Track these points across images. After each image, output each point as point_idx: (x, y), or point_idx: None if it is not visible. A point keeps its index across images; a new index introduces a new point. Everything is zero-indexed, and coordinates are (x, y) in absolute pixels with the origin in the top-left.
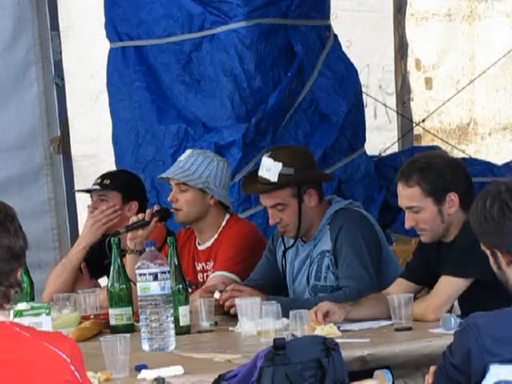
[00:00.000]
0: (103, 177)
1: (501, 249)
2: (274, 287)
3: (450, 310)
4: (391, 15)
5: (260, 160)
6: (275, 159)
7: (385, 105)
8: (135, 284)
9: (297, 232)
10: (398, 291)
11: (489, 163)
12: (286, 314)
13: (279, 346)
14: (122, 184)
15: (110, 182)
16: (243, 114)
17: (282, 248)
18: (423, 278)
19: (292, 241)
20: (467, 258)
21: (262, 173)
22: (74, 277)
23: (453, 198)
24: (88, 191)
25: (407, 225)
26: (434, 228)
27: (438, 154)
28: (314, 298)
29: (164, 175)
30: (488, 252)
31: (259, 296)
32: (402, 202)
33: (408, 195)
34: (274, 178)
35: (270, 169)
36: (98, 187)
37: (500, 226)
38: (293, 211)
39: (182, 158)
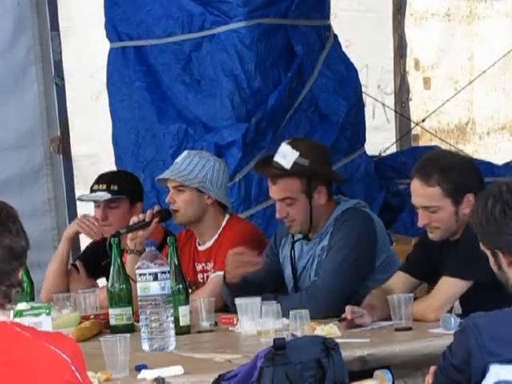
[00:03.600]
0: (108, 182)
1: (502, 249)
2: (274, 285)
3: (450, 310)
4: (390, 15)
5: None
6: (293, 147)
7: (383, 104)
8: (135, 282)
9: (308, 227)
10: (397, 284)
11: (489, 163)
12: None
13: (279, 345)
14: (129, 189)
15: (118, 188)
16: (243, 114)
17: (291, 240)
18: (423, 272)
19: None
20: (470, 260)
21: (278, 158)
22: (64, 268)
23: (470, 198)
24: (95, 200)
25: (421, 223)
26: (448, 227)
27: (454, 154)
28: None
29: (161, 177)
30: (488, 252)
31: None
32: (419, 201)
33: (427, 194)
34: (287, 165)
35: (285, 156)
36: (107, 194)
37: (502, 226)
38: (300, 207)
39: (179, 159)
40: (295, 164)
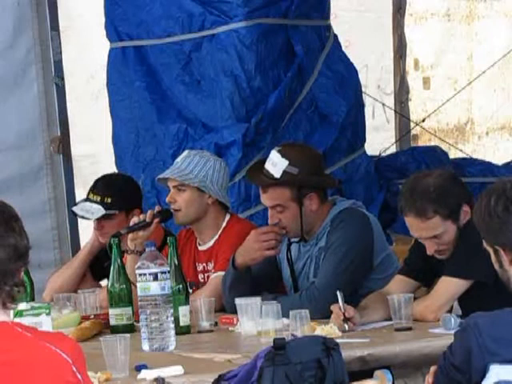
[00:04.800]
0: (103, 193)
1: (504, 246)
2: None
3: (450, 310)
4: (390, 15)
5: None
6: (283, 155)
7: (383, 104)
8: (135, 286)
9: (300, 233)
10: (398, 288)
11: (489, 163)
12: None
13: (279, 345)
14: (124, 201)
15: (111, 201)
16: (243, 114)
17: (287, 242)
18: (422, 274)
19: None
20: (468, 260)
21: (268, 166)
22: (82, 272)
23: (465, 209)
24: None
25: (430, 252)
26: (453, 242)
27: (434, 174)
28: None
29: (161, 176)
30: (490, 250)
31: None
32: (423, 234)
33: (428, 227)
34: (277, 174)
35: (275, 164)
36: (100, 209)
37: (504, 223)
38: (292, 214)
39: (179, 159)
40: (284, 173)
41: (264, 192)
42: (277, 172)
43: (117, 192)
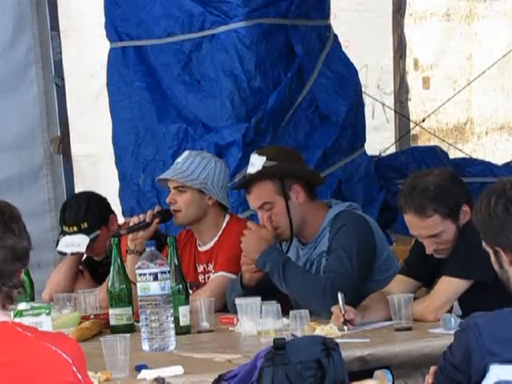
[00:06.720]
0: (76, 221)
1: (504, 247)
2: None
3: (450, 311)
4: (390, 15)
5: None
6: (260, 154)
7: (383, 104)
8: (135, 285)
9: (289, 232)
10: (398, 288)
11: (489, 163)
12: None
13: (279, 345)
14: (99, 217)
15: (88, 225)
16: (243, 114)
17: (286, 247)
18: (422, 274)
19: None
20: (468, 260)
21: (249, 169)
22: (75, 270)
23: (465, 208)
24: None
25: (430, 251)
26: (452, 242)
27: (434, 173)
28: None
29: (162, 177)
30: (490, 250)
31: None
32: (422, 233)
33: (428, 226)
34: (257, 171)
35: (254, 164)
36: (83, 237)
37: (504, 223)
38: (280, 209)
39: (180, 159)
40: (263, 168)
41: (249, 193)
42: (256, 170)
43: (88, 214)
